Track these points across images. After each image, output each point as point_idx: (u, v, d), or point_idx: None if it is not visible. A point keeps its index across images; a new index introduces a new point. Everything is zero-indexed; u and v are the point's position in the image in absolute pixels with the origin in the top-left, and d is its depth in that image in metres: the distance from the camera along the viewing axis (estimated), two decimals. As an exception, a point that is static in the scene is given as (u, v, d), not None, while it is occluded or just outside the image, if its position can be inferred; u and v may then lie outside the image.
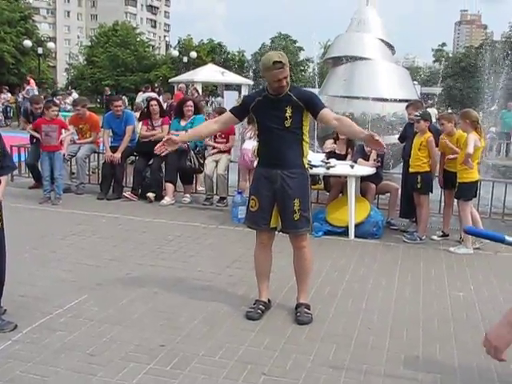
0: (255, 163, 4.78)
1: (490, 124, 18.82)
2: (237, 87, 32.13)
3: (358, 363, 3.77)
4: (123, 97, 21.46)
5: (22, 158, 10.37)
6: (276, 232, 4.60)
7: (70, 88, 48.54)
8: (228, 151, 9.11)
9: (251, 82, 34.88)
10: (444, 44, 65.90)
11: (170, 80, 34.99)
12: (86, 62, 57.00)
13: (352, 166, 7.40)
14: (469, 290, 5.42)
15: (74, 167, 9.70)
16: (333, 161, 7.52)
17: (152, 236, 6.88)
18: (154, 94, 18.47)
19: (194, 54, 45.29)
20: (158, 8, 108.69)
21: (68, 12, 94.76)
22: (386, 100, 10.64)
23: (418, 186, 7.13)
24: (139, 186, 9.12)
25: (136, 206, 8.59)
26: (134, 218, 7.80)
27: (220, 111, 9.43)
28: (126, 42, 55.35)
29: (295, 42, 67.17)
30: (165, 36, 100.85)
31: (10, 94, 26.47)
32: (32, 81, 24.81)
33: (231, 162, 9.08)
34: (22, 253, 5.89)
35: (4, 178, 4.26)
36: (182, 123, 9.01)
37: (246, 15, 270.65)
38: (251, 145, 7.99)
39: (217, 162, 8.81)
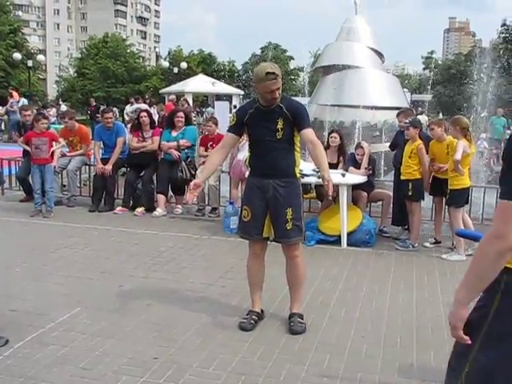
0: (247, 173, 4.77)
1: (480, 130, 18.88)
2: (227, 97, 32.20)
3: (353, 372, 3.76)
4: (114, 108, 21.48)
5: (13, 172, 10.34)
6: (268, 242, 4.60)
7: (60, 100, 48.58)
8: (219, 161, 9.09)
9: (242, 92, 35.00)
10: (433, 51, 66.34)
11: (160, 91, 35.08)
12: (76, 74, 57.04)
13: (343, 175, 7.41)
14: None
15: (65, 180, 9.67)
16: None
17: (144, 248, 6.86)
18: (144, 106, 18.46)
19: (184, 65, 45.43)
20: (147, 19, 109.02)
21: (58, 24, 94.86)
22: (376, 108, 10.69)
23: (410, 193, 7.15)
24: (130, 198, 9.10)
25: (128, 218, 8.57)
26: (125, 229, 7.78)
27: (211, 120, 9.48)
28: (116, 54, 55.45)
29: (285, 51, 67.47)
30: (155, 47, 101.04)
31: (0, 107, 26.43)
32: (15, 93, 24.71)
33: (222, 172, 9.07)
34: (13, 266, 5.86)
35: None
36: (173, 134, 9.01)
37: (236, 25, 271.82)
38: (243, 155, 7.99)
39: (208, 172, 8.79)
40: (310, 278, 5.24)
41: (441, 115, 38.22)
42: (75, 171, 9.50)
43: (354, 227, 7.23)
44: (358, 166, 7.85)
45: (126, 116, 20.43)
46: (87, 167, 10.07)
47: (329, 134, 8.36)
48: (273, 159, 4.34)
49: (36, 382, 3.49)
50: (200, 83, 31.70)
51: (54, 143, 8.69)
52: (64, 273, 5.79)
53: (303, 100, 10.80)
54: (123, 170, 9.90)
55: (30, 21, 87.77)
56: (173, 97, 20.99)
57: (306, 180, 6.88)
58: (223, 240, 7.35)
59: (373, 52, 11.40)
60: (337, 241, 7.21)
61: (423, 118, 17.72)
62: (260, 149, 4.42)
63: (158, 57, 66.30)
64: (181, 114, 9.26)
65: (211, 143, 8.96)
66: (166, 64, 50.99)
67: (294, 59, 65.58)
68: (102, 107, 28.21)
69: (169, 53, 62.96)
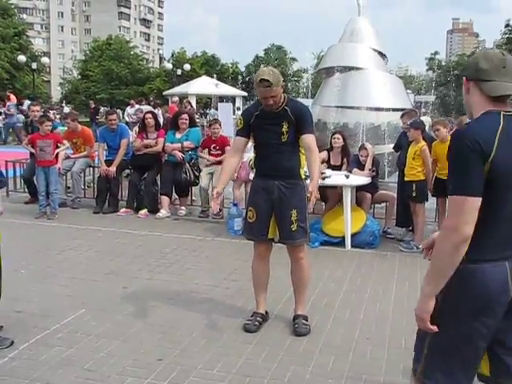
0: (251, 175, 4.77)
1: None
2: (231, 99, 32.20)
3: (357, 373, 3.75)
4: (118, 110, 21.50)
5: (17, 174, 10.36)
6: (273, 243, 4.60)
7: (64, 102, 48.69)
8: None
9: (245, 94, 34.98)
10: (437, 52, 66.41)
11: (164, 93, 35.08)
12: (80, 76, 57.17)
13: (347, 176, 7.41)
14: None
15: (70, 182, 9.69)
16: (328, 171, 7.52)
17: (148, 249, 6.87)
18: (147, 107, 18.46)
19: (187, 67, 45.44)
20: (151, 21, 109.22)
21: (62, 27, 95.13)
22: (380, 109, 10.68)
23: (414, 194, 7.14)
24: (134, 200, 9.11)
25: (132, 220, 8.58)
26: (130, 231, 7.79)
27: (217, 122, 9.48)
28: (119, 56, 55.56)
29: (289, 52, 67.53)
30: (158, 49, 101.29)
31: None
32: (12, 96, 24.51)
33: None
34: (18, 268, 5.87)
35: None
36: (178, 136, 9.02)
37: (239, 27, 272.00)
38: (247, 157, 7.98)
39: (212, 174, 8.80)
40: (314, 280, 5.24)
41: (443, 117, 38.11)
42: (79, 173, 9.52)
43: (358, 229, 7.23)
44: (361, 167, 7.84)
45: (126, 118, 20.39)
46: (91, 169, 10.08)
47: (331, 135, 8.36)
48: (277, 161, 4.35)
49: (41, 384, 3.50)
50: (203, 85, 31.68)
51: (58, 144, 8.72)
52: (68, 274, 5.80)
53: (307, 102, 10.79)
54: (127, 171, 9.91)
55: (35, 23, 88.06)
56: (176, 99, 20.98)
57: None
58: (227, 242, 7.35)
59: (376, 53, 11.39)
60: (341, 242, 7.21)
61: (426, 119, 17.66)
62: (265, 151, 4.42)
63: (161, 59, 66.28)
64: (185, 115, 9.27)
65: (214, 145, 8.97)
66: (169, 66, 50.98)
67: (297, 61, 65.64)
68: (102, 109, 28.31)
69: (172, 55, 63.03)
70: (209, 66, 59.19)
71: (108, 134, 9.46)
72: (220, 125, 9.28)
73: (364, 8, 11.84)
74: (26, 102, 25.31)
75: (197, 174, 8.89)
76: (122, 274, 5.87)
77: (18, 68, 44.47)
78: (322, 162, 8.04)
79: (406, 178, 7.26)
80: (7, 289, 4.23)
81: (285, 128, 4.29)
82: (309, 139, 4.32)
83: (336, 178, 7.44)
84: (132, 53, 59.29)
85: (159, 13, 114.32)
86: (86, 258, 6.45)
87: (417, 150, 7.09)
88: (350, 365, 3.89)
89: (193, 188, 9.31)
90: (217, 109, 25.68)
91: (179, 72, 44.38)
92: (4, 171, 7.82)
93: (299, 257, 4.51)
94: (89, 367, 3.75)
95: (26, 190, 9.88)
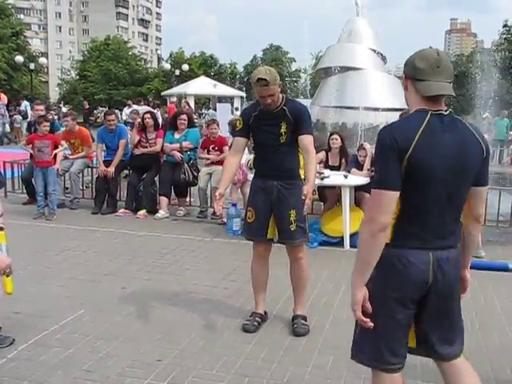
0: (250, 175, 4.77)
1: (482, 131, 18.88)
2: (229, 99, 32.21)
3: (356, 373, 3.75)
4: (116, 111, 21.44)
5: (15, 174, 10.35)
6: (272, 243, 4.60)
7: (62, 103, 48.64)
8: (221, 163, 9.09)
9: (243, 94, 34.99)
10: (435, 52, 66.00)
11: (162, 93, 35.09)
12: (78, 77, 57.07)
13: (346, 176, 7.41)
14: (465, 298, 5.40)
15: (68, 182, 9.68)
16: (327, 171, 7.52)
17: (147, 250, 6.86)
18: (145, 108, 18.44)
19: (185, 67, 45.40)
20: (149, 22, 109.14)
21: (59, 27, 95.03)
22: (378, 109, 10.69)
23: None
24: (133, 200, 9.10)
25: (130, 220, 8.57)
26: (128, 232, 7.78)
27: (215, 122, 9.48)
28: (117, 56, 55.49)
29: (287, 53, 67.51)
30: (156, 49, 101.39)
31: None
32: (3, 96, 24.23)
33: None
34: (17, 269, 5.83)
35: None
36: (176, 136, 9.02)
37: (238, 27, 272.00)
38: (244, 158, 7.98)
39: (211, 174, 8.80)
40: (313, 280, 5.24)
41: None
42: (78, 174, 9.52)
43: (357, 229, 7.21)
44: (360, 167, 7.85)
45: (124, 117, 20.33)
46: (90, 169, 10.07)
47: (329, 136, 8.36)
48: (276, 161, 4.35)
49: (40, 385, 3.50)
50: (202, 85, 31.71)
51: (57, 145, 8.72)
52: (67, 275, 5.80)
53: (305, 102, 10.80)
54: (126, 172, 9.91)
55: (32, 24, 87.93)
56: (175, 99, 20.97)
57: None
58: (226, 242, 7.35)
59: (374, 53, 11.40)
60: (340, 242, 7.21)
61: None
62: (264, 151, 4.43)
63: (159, 59, 66.40)
64: (184, 116, 9.27)
65: (213, 146, 8.97)
66: (167, 66, 50.96)
67: (295, 61, 65.67)
68: (99, 109, 28.28)
69: (170, 55, 62.95)
70: (207, 66, 59.16)
71: (106, 135, 9.45)
72: (218, 125, 9.28)
73: (362, 8, 11.86)
74: (24, 103, 25.22)
75: (195, 174, 8.88)
76: (120, 274, 5.87)
77: (15, 68, 44.39)
78: (320, 163, 8.04)
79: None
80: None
81: (283, 129, 4.29)
82: (306, 140, 4.31)
83: (335, 178, 7.44)
84: (130, 53, 59.20)
85: (157, 13, 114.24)
86: (84, 259, 6.44)
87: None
88: (348, 365, 3.87)
89: (191, 188, 9.31)
90: (215, 109, 25.71)
91: (177, 72, 44.38)
92: (2, 171, 7.84)
93: (298, 257, 4.52)
94: (88, 368, 3.74)
95: (25, 190, 9.87)
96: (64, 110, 29.25)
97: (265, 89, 4.15)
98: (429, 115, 2.34)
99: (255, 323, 4.49)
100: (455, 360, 2.66)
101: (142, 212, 8.81)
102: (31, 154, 9.31)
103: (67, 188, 9.81)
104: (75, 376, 3.62)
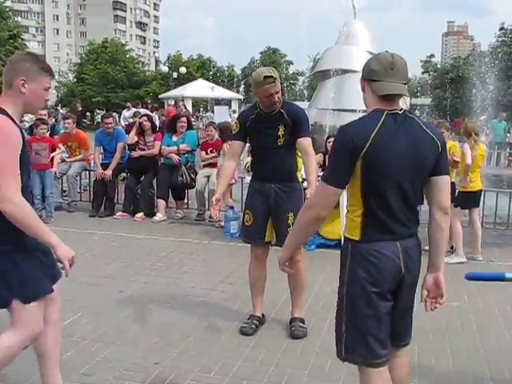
0: (248, 178, 4.77)
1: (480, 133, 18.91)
2: (227, 102, 32.22)
3: (354, 376, 3.72)
4: (114, 113, 21.41)
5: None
6: (270, 246, 4.60)
7: (59, 105, 48.59)
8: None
9: (241, 97, 35.02)
10: (432, 55, 66.02)
11: (160, 96, 35.08)
12: (75, 80, 56.98)
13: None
14: (463, 300, 5.43)
15: (66, 185, 9.67)
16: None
17: (145, 253, 6.86)
18: (143, 111, 18.45)
19: (183, 70, 45.41)
20: (147, 24, 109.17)
21: (57, 30, 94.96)
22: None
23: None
24: (131, 203, 9.10)
25: (128, 223, 8.57)
26: (126, 234, 7.78)
27: (212, 125, 9.49)
28: (115, 59, 55.41)
29: (285, 55, 67.54)
30: (154, 52, 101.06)
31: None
32: None
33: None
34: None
35: None
36: (174, 139, 9.03)
37: (235, 30, 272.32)
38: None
39: (208, 177, 8.80)
40: (310, 283, 5.24)
41: (438, 119, 38.14)
42: (75, 176, 9.51)
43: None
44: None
45: (122, 121, 20.29)
46: (87, 172, 10.07)
47: (326, 138, 8.37)
48: (274, 164, 4.35)
49: (37, 388, 3.48)
50: (199, 88, 31.73)
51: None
52: (64, 278, 5.76)
53: (303, 104, 10.82)
54: (123, 175, 9.90)
55: (30, 26, 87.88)
56: (172, 102, 20.98)
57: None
58: (223, 245, 7.35)
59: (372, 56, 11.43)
60: (337, 245, 7.18)
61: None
62: (261, 154, 4.43)
63: (157, 62, 66.26)
64: (184, 119, 9.31)
65: (211, 148, 8.97)
66: (165, 69, 50.93)
67: (293, 64, 65.68)
68: (87, 113, 28.15)
69: (168, 58, 62.88)
70: (205, 69, 59.15)
71: (104, 138, 9.45)
72: (215, 128, 9.28)
73: (359, 11, 11.89)
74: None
75: (193, 176, 8.88)
76: (118, 277, 5.86)
77: (13, 71, 44.37)
78: (318, 165, 8.04)
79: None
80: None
81: (281, 131, 4.29)
82: (305, 143, 4.32)
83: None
84: (128, 56, 59.10)
85: (155, 16, 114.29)
86: (82, 262, 6.40)
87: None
88: (346, 367, 3.87)
89: (189, 191, 9.31)
90: (213, 112, 25.73)
91: (175, 75, 44.37)
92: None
93: (296, 259, 4.50)
94: (85, 371, 3.74)
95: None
96: (61, 111, 29.16)
97: (272, 86, 4.16)
98: (384, 115, 2.47)
99: (253, 326, 4.49)
100: (404, 348, 2.81)
101: (140, 215, 8.80)
102: None
103: (65, 191, 9.80)
104: (72, 379, 3.61)
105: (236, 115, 22.54)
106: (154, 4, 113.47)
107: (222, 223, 8.09)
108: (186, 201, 9.37)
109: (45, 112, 10.17)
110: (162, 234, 7.90)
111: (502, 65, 36.19)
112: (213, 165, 8.88)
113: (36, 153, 8.45)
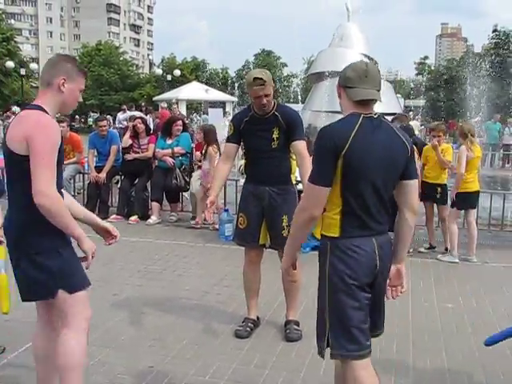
0: (242, 181, 4.77)
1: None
2: (221, 104, 32.20)
3: (349, 379, 3.74)
4: (108, 116, 21.38)
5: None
6: (264, 248, 4.59)
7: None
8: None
9: (235, 99, 35.00)
10: (426, 57, 66.24)
11: (154, 98, 35.02)
12: (69, 82, 56.93)
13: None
14: (458, 302, 5.43)
15: (59, 188, 9.63)
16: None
17: (139, 256, 6.84)
18: (137, 113, 18.41)
19: (177, 72, 45.40)
20: (141, 27, 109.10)
21: (51, 32, 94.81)
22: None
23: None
24: (125, 206, 9.08)
25: (122, 226, 8.51)
26: (120, 237, 7.73)
27: (204, 128, 9.47)
28: (109, 62, 55.42)
29: (279, 58, 67.64)
30: (148, 55, 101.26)
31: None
32: None
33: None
34: (8, 276, 5.81)
35: None
36: (168, 141, 9.01)
37: (229, 33, 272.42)
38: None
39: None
40: (305, 285, 5.22)
41: (432, 121, 38.22)
42: (69, 180, 9.47)
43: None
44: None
45: (117, 124, 20.24)
46: (81, 175, 10.03)
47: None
48: (268, 167, 4.34)
49: (31, 393, 3.47)
50: (194, 90, 31.69)
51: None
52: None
53: (297, 107, 10.81)
54: (117, 177, 9.88)
55: (23, 29, 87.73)
56: (164, 104, 20.93)
57: (301, 187, 6.87)
58: (218, 247, 7.33)
59: (366, 58, 11.43)
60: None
61: (415, 124, 17.74)
62: (255, 157, 4.42)
63: (151, 64, 66.37)
64: (179, 122, 9.30)
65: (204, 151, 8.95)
66: (159, 71, 50.90)
67: (287, 66, 65.79)
68: (77, 116, 28.05)
69: (162, 60, 62.95)
70: (199, 71, 59.16)
71: (98, 141, 9.43)
72: (206, 130, 9.24)
73: (353, 13, 11.91)
74: (14, 108, 25.17)
75: (187, 179, 8.87)
76: (112, 280, 5.84)
77: (6, 74, 44.25)
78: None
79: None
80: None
81: (275, 134, 4.29)
82: (300, 145, 4.32)
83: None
84: (121, 58, 59.15)
85: (149, 18, 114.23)
86: (76, 265, 6.40)
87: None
88: (342, 370, 3.88)
89: (183, 194, 9.29)
90: (207, 114, 25.68)
91: (169, 77, 44.35)
92: (2, 179, 7.79)
93: (290, 262, 4.50)
94: (79, 375, 3.71)
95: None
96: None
97: (261, 88, 4.15)
98: (361, 118, 2.64)
99: (248, 329, 4.48)
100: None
101: (134, 218, 8.78)
102: None
103: (59, 194, 9.76)
104: (67, 383, 3.59)
105: (230, 117, 22.52)
106: (148, 6, 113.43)
107: (217, 226, 8.07)
108: (180, 204, 9.35)
109: None
110: (156, 236, 7.89)
111: (495, 66, 36.34)
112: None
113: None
